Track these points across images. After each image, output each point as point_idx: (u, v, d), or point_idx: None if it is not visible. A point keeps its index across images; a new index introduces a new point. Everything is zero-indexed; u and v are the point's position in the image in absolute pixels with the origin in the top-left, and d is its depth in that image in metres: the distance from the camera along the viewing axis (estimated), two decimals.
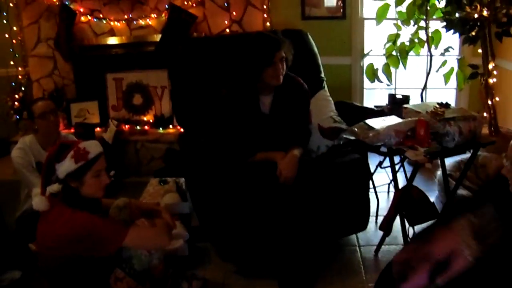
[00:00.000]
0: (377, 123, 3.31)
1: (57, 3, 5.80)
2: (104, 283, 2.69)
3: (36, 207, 2.70)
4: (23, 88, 6.20)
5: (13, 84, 6.20)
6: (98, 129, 5.73)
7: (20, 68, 6.19)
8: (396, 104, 4.24)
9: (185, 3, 5.54)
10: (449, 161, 4.19)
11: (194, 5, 5.54)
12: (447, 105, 3.47)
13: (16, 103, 6.10)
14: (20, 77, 6.20)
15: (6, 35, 6.11)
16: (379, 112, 4.07)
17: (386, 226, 3.58)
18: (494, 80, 4.77)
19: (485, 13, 4.45)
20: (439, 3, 4.90)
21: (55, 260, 2.66)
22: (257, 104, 3.50)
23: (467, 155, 4.11)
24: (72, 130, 5.55)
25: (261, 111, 3.50)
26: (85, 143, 2.75)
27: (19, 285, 3.54)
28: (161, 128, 5.70)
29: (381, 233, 3.73)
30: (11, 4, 6.03)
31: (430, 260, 1.36)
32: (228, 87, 3.59)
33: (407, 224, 3.49)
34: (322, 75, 4.30)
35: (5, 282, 3.53)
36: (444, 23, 4.66)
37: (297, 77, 3.58)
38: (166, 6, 5.58)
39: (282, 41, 3.38)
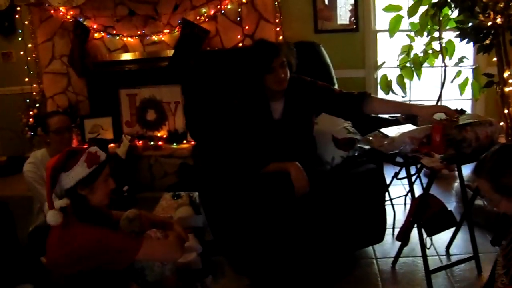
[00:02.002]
0: (391, 131, 3.26)
1: (71, 20, 5.86)
2: None
3: (50, 222, 2.64)
4: (37, 105, 6.25)
5: (27, 101, 6.26)
6: (112, 144, 5.72)
7: (34, 85, 6.26)
8: (412, 114, 4.18)
9: (198, 18, 5.54)
10: (466, 171, 4.13)
11: (206, 20, 5.54)
12: (462, 112, 3.41)
13: (30, 119, 6.14)
14: (34, 93, 6.27)
15: (21, 53, 6.20)
16: (393, 121, 4.01)
17: (403, 236, 3.52)
18: (510, 88, 4.70)
19: (498, 20, 4.37)
20: (452, 13, 4.84)
21: (67, 276, 2.61)
22: (269, 111, 3.46)
23: None
24: (86, 146, 5.55)
25: (273, 118, 3.46)
26: (94, 148, 2.71)
27: None
28: (174, 144, 5.69)
29: (397, 245, 3.69)
30: (26, 22, 6.10)
31: None
32: (239, 97, 3.56)
33: (424, 235, 3.43)
34: (336, 86, 4.27)
35: None
36: (458, 33, 4.61)
37: (302, 76, 3.53)
38: (179, 22, 5.59)
39: (281, 46, 3.37)
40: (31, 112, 6.21)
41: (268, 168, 3.36)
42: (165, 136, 5.83)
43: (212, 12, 5.52)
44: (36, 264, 3.10)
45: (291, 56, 3.39)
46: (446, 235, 3.72)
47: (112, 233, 2.70)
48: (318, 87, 3.51)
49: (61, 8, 5.79)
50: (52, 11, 5.88)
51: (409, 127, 3.33)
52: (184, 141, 5.68)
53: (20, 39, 6.21)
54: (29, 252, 3.66)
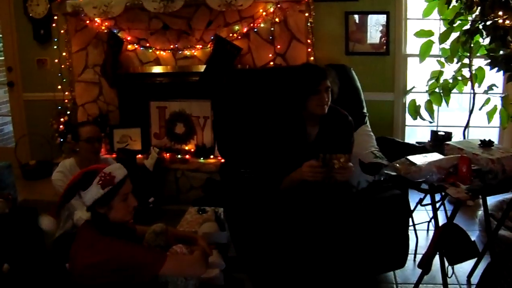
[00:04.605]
0: (419, 159, 3.27)
1: (106, 31, 5.95)
2: None
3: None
4: (68, 112, 6.36)
5: (59, 108, 6.38)
6: (139, 155, 5.79)
7: (66, 93, 6.37)
8: (438, 141, 4.18)
9: (231, 35, 5.60)
10: (491, 201, 4.13)
11: (239, 37, 5.60)
12: (490, 143, 3.43)
13: (61, 126, 6.26)
14: (66, 101, 6.38)
15: (56, 60, 6.31)
16: (421, 148, 4.02)
17: (425, 264, 3.51)
18: None
19: None
20: (483, 40, 4.84)
21: (90, 286, 2.65)
22: (305, 133, 3.48)
23: (510, 195, 4.05)
24: (114, 156, 5.62)
25: (307, 141, 3.48)
26: (110, 168, 2.74)
27: None
28: (202, 158, 5.72)
29: (419, 271, 3.65)
30: (62, 31, 6.21)
31: None
32: (274, 116, 3.58)
33: (446, 263, 3.43)
34: (365, 110, 4.31)
35: None
36: (488, 61, 4.61)
37: (342, 109, 3.57)
38: (212, 38, 5.65)
39: (328, 71, 3.39)
40: (62, 119, 6.33)
41: (285, 183, 3.38)
42: (192, 150, 5.87)
43: (245, 29, 5.57)
44: (61, 270, 3.13)
45: (335, 85, 3.43)
46: (468, 264, 3.71)
47: (136, 247, 2.74)
48: (347, 129, 3.58)
49: (96, 19, 5.87)
50: (87, 21, 5.97)
51: (436, 156, 3.34)
52: (211, 156, 5.71)
53: (55, 47, 6.34)
54: (54, 258, 3.73)
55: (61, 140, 6.24)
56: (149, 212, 5.01)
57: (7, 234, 3.72)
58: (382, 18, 5.58)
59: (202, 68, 5.66)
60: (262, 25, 5.55)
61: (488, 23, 4.46)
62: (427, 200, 3.91)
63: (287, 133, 3.47)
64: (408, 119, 5.67)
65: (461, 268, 3.78)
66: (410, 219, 4.11)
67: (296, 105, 3.43)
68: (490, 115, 5.13)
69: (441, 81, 5.25)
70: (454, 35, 4.97)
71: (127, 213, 2.80)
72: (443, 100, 5.26)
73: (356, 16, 5.65)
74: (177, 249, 2.88)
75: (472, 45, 4.85)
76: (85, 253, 2.63)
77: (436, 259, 3.46)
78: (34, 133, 6.81)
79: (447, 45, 5.06)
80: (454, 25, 4.87)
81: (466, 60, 5.02)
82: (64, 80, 6.36)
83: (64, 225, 3.98)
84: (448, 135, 4.38)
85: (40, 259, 3.88)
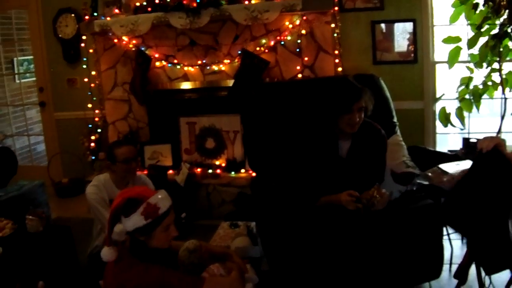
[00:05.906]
0: (451, 167, 3.24)
1: (134, 49, 6.02)
2: None
3: (104, 258, 2.71)
4: (99, 130, 6.43)
5: (89, 126, 6.47)
6: (170, 171, 5.82)
7: (97, 111, 6.43)
8: (470, 149, 4.14)
9: (258, 48, 5.61)
10: None
11: (266, 50, 5.61)
12: None
13: (92, 144, 6.33)
14: (96, 119, 6.44)
15: (85, 79, 6.39)
16: (453, 156, 3.98)
17: (461, 274, 3.47)
18: None
19: None
20: None
21: None
22: (336, 148, 3.49)
23: None
24: (145, 172, 5.65)
25: (338, 155, 3.49)
26: (155, 198, 2.71)
27: None
28: (233, 172, 5.73)
29: (455, 282, 3.61)
30: (90, 50, 6.30)
31: None
32: (306, 130, 3.59)
33: (483, 273, 3.37)
34: (395, 119, 4.27)
35: None
36: None
37: (375, 123, 3.57)
38: (239, 52, 5.66)
39: (364, 91, 3.39)
40: (92, 137, 6.41)
41: (320, 201, 3.39)
42: (223, 164, 5.88)
43: (272, 43, 5.58)
44: (95, 286, 3.15)
45: (370, 103, 3.43)
46: (506, 273, 3.64)
47: (172, 273, 2.71)
48: (381, 143, 3.60)
49: (124, 37, 5.96)
50: (115, 40, 6.07)
51: (468, 164, 3.30)
52: (242, 170, 5.72)
53: (84, 66, 6.42)
54: (88, 274, 3.76)
55: (93, 158, 6.31)
56: (181, 227, 4.99)
57: (41, 252, 3.76)
58: (409, 26, 5.55)
59: (230, 82, 5.68)
60: (288, 37, 5.55)
61: None
62: None
63: (318, 147, 3.49)
64: (439, 126, 5.61)
65: (499, 277, 3.68)
66: (444, 229, 4.06)
67: (327, 121, 3.44)
68: None
69: (471, 87, 5.18)
70: (482, 40, 4.91)
71: (166, 242, 2.79)
72: (474, 106, 5.19)
73: (383, 25, 5.62)
74: (214, 269, 2.86)
75: (501, 49, 4.79)
76: (119, 277, 2.63)
77: (473, 269, 3.42)
78: (66, 151, 6.91)
79: (475, 50, 5.00)
80: (482, 29, 4.81)
81: (495, 65, 4.95)
82: (94, 98, 6.44)
83: (96, 240, 4.02)
84: None
85: (74, 276, 3.92)
